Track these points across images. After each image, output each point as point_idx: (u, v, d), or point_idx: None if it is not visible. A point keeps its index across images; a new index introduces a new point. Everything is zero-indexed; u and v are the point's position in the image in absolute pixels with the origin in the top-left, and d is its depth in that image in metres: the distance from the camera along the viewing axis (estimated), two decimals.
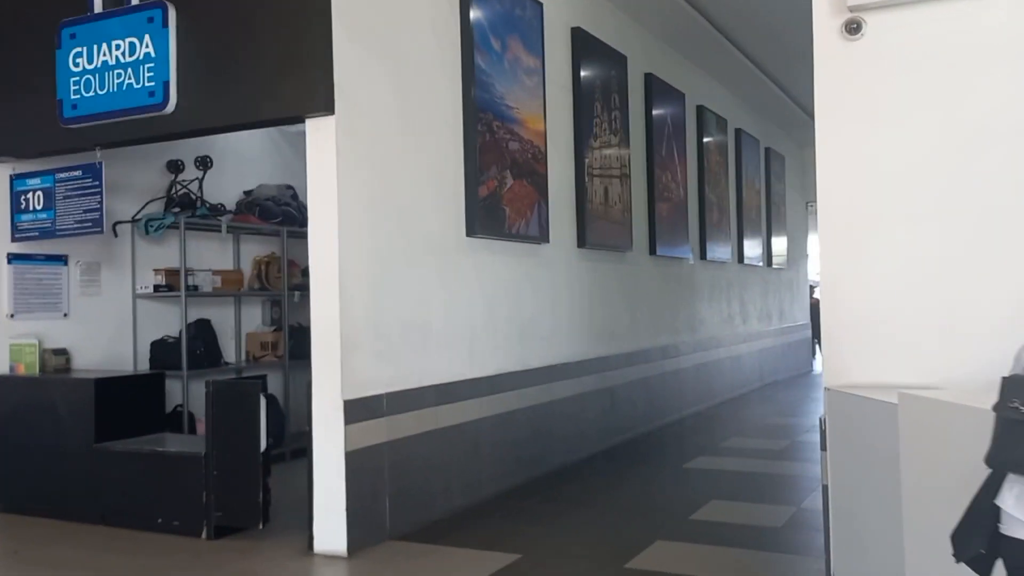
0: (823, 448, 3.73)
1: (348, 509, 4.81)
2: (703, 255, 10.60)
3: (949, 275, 3.53)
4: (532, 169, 6.74)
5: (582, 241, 7.55)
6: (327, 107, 4.86)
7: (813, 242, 17.42)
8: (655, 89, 9.21)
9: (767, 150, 13.63)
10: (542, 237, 6.84)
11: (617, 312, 8.35)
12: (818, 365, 16.08)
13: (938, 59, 3.55)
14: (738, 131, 12.20)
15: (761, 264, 13.17)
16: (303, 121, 5.02)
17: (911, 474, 2.96)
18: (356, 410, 4.92)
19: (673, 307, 9.76)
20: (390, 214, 5.31)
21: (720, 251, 11.20)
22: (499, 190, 6.28)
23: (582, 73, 7.61)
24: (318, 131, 4.95)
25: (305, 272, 8.22)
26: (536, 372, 6.78)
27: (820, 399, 10.56)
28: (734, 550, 4.72)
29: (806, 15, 3.87)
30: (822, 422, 3.74)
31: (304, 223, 8.29)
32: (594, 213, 7.76)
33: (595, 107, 7.86)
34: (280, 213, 8.06)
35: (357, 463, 4.89)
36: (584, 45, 7.67)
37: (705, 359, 10.64)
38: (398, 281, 5.36)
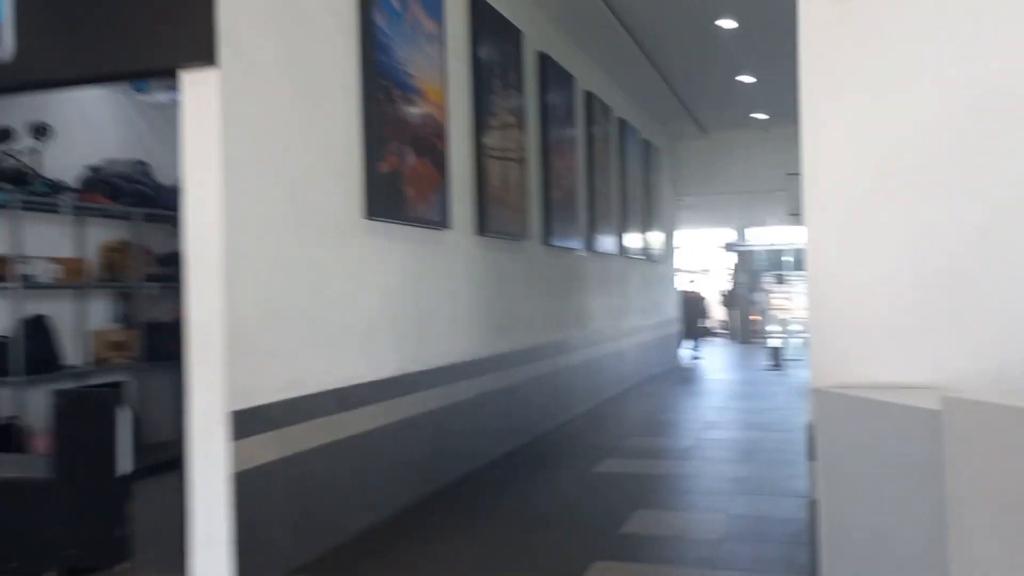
0: (811, 458, 3.29)
1: (235, 540, 4.00)
2: (591, 246, 10.22)
3: (954, 263, 3.16)
4: (433, 146, 6.06)
5: (482, 228, 6.94)
6: (208, 57, 4.02)
7: (680, 237, 17.56)
8: (549, 70, 8.71)
9: (646, 142, 13.48)
10: (443, 222, 6.18)
11: (515, 305, 7.80)
12: (684, 358, 16.18)
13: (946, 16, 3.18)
14: (621, 121, 11.93)
15: (641, 257, 12.99)
16: (175, 74, 4.14)
17: (960, 486, 2.53)
18: (245, 422, 4.10)
19: (565, 300, 9.32)
20: (283, 188, 4.51)
21: (606, 243, 10.87)
22: (400, 168, 5.57)
23: (480, 45, 6.99)
24: (197, 87, 4.09)
25: (163, 261, 7.20)
26: (436, 372, 6.11)
27: (702, 393, 10.38)
28: (685, 570, 4.25)
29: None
30: (811, 428, 3.29)
31: (160, 204, 7.30)
32: (493, 198, 7.16)
33: (493, 83, 7.26)
34: (133, 192, 7.01)
35: (246, 485, 4.08)
36: (482, 14, 7.05)
37: (594, 354, 10.28)
38: (294, 266, 4.57)
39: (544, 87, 8.60)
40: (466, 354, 6.63)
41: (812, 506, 3.24)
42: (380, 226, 5.42)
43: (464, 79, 6.82)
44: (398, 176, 5.53)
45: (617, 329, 11.51)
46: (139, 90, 7.45)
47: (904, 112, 3.22)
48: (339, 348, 4.95)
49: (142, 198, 7.04)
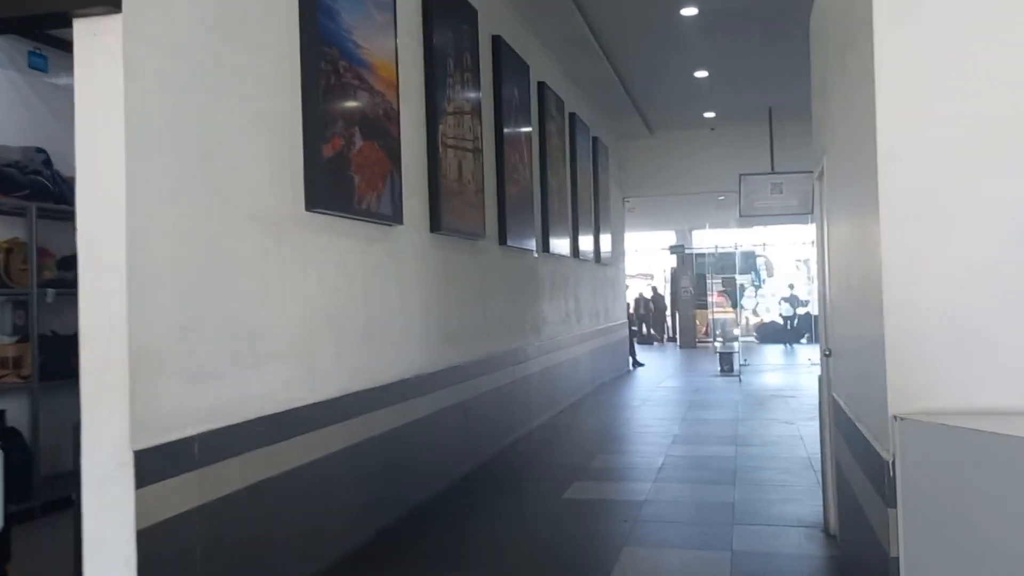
0: (890, 504, 2.61)
1: None
2: (546, 247, 9.51)
3: None
4: (384, 130, 5.25)
5: (436, 224, 6.15)
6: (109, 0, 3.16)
7: (627, 240, 17.01)
8: (503, 56, 7.97)
9: (595, 139, 12.86)
10: (395, 217, 5.38)
11: (471, 311, 7.03)
12: (633, 364, 15.62)
13: None
14: (572, 116, 11.27)
15: (592, 260, 12.35)
16: (69, 22, 3.26)
17: None
18: (154, 464, 3.24)
19: (522, 305, 8.59)
20: (205, 171, 3.65)
21: (560, 243, 10.18)
22: (347, 152, 4.75)
23: (433, 20, 6.21)
24: (94, 38, 3.22)
25: (62, 264, 6.19)
26: (387, 390, 5.30)
27: (660, 402, 9.73)
28: None
29: None
30: (890, 467, 2.60)
31: (60, 198, 6.29)
32: (449, 192, 6.38)
33: (448, 64, 6.49)
34: (28, 184, 6.01)
35: (155, 544, 3.21)
36: None
37: (550, 363, 9.57)
38: (219, 267, 3.72)
39: (498, 74, 7.86)
40: (419, 367, 5.83)
41: (893, 565, 2.56)
42: (324, 220, 4.60)
43: (417, 57, 6.04)
44: (345, 161, 4.72)
45: (572, 335, 10.84)
46: (36, 67, 6.47)
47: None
48: (275, 365, 4.11)
49: (39, 191, 6.04)
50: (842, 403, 3.85)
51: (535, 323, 9.05)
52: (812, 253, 27.52)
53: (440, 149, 6.21)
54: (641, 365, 15.58)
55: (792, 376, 13.83)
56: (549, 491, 6.09)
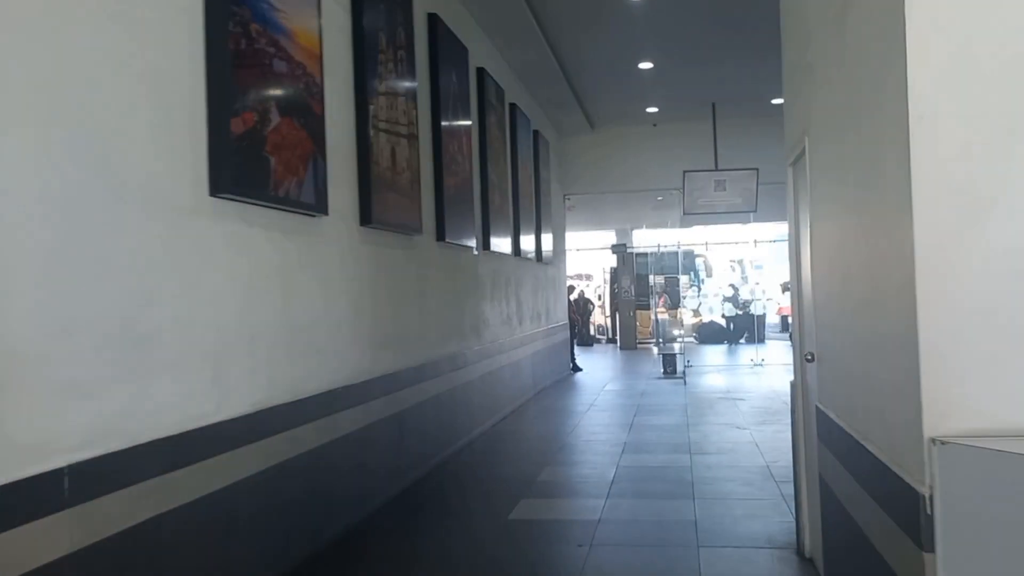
0: (926, 547, 2.11)
1: None
2: (486, 244, 8.96)
3: None
4: (306, 107, 4.62)
5: (367, 217, 5.54)
6: None
7: (567, 238, 16.55)
8: (440, 36, 7.38)
9: (536, 133, 12.35)
10: (319, 206, 4.75)
11: (407, 313, 6.43)
12: (574, 366, 15.16)
13: None
14: (512, 106, 10.74)
15: (533, 258, 11.84)
16: None
17: None
18: (16, 501, 2.59)
19: (460, 306, 8.01)
20: (83, 143, 3.00)
21: (501, 241, 9.63)
22: (261, 128, 4.12)
23: None
24: None
25: None
26: (312, 402, 4.68)
27: (605, 407, 9.26)
28: None
29: None
30: (926, 502, 2.11)
31: None
32: (381, 180, 5.77)
33: (379, 38, 5.88)
34: None
35: None
36: None
37: (491, 367, 9.01)
38: (101, 263, 3.06)
39: (435, 55, 7.27)
40: (348, 376, 5.21)
41: None
42: (233, 207, 3.96)
43: (344, 28, 5.42)
44: (259, 139, 4.08)
45: (514, 338, 10.30)
46: None
47: None
48: (172, 377, 3.47)
49: None
50: (832, 415, 3.38)
51: (476, 325, 8.48)
52: (749, 253, 27.59)
53: (371, 132, 5.60)
54: (579, 370, 15.13)
55: (737, 377, 13.55)
56: (494, 511, 5.53)
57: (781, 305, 17.92)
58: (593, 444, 7.95)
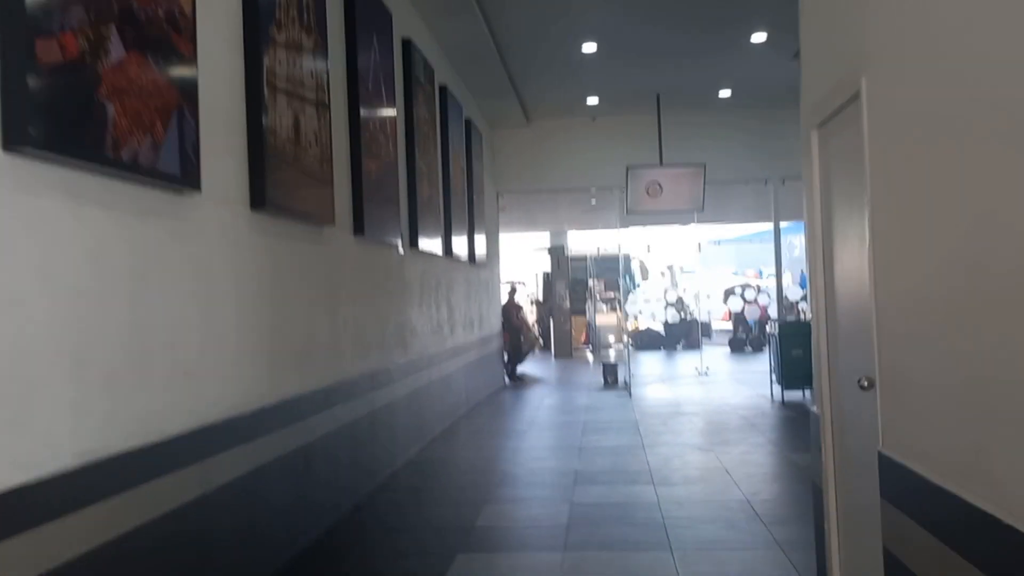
0: None
1: None
2: (414, 243, 7.78)
3: None
4: (166, 42, 3.39)
5: (259, 199, 4.31)
6: None
7: (501, 239, 15.40)
8: None
9: (468, 123, 11.21)
10: (186, 179, 3.52)
11: (315, 323, 5.21)
12: (509, 377, 14.05)
13: None
14: (443, 90, 9.58)
15: (466, 260, 10.69)
16: None
17: None
18: None
19: (384, 314, 6.81)
20: None
21: (431, 239, 8.46)
22: (91, 60, 2.88)
23: None
24: None
25: None
26: (178, 444, 3.44)
27: (543, 426, 8.16)
28: None
29: None
30: None
31: None
32: (280, 154, 4.55)
33: None
34: None
35: None
36: None
37: (418, 384, 7.83)
38: None
39: (351, 11, 6.07)
40: (234, 404, 3.98)
41: None
42: (48, 171, 2.72)
43: None
44: (88, 76, 2.85)
45: (445, 348, 9.13)
46: None
47: None
48: None
49: None
50: (916, 467, 2.34)
51: (401, 336, 7.29)
52: (680, 258, 26.97)
53: (266, 91, 4.38)
54: (519, 380, 14.02)
55: (684, 388, 12.63)
56: (427, 571, 4.36)
57: (729, 309, 17.19)
58: (539, 474, 6.84)
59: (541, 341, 16.35)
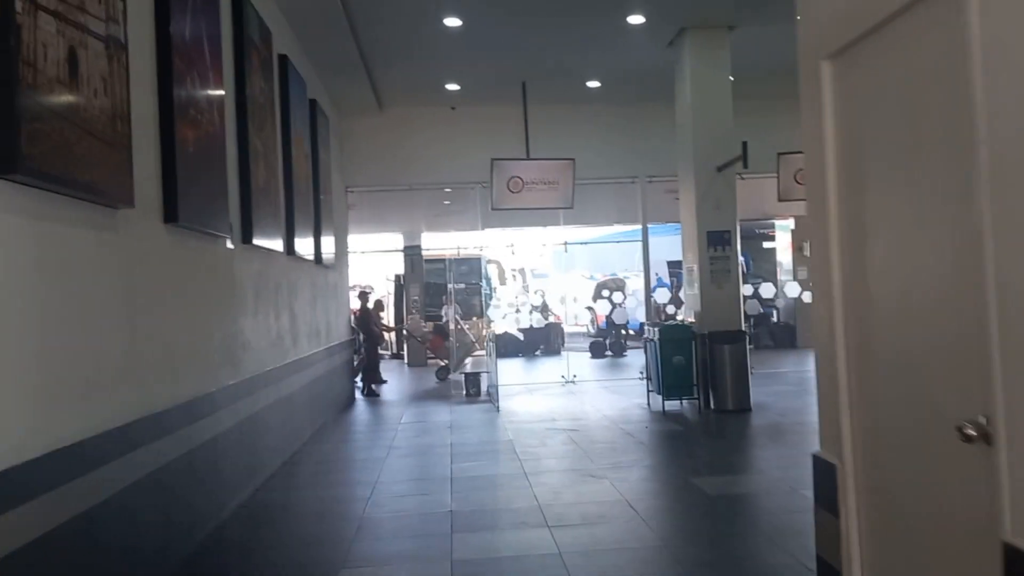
0: None
1: None
2: (247, 236, 6.38)
3: None
4: None
5: (9, 160, 2.90)
6: None
7: (350, 239, 13.97)
8: None
9: (313, 104, 9.82)
10: None
11: (104, 340, 3.78)
12: (361, 391, 12.69)
13: None
14: (283, 59, 8.19)
15: (311, 260, 9.30)
16: None
17: None
18: None
19: (206, 325, 5.39)
20: None
21: (269, 234, 7.06)
22: None
23: None
24: None
25: None
26: None
27: (405, 450, 6.87)
28: None
29: None
30: None
31: None
32: (39, 96, 3.14)
33: None
34: None
35: None
36: None
37: (252, 409, 6.42)
38: None
39: None
40: None
41: None
42: None
43: None
44: None
45: (286, 363, 7.73)
46: None
47: None
48: None
49: None
50: None
51: (230, 352, 5.88)
52: (532, 261, 26.30)
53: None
54: (376, 395, 12.67)
55: (553, 399, 11.70)
56: None
57: (600, 314, 16.47)
58: (406, 518, 5.61)
59: (477, 346, 15.11)
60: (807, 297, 17.60)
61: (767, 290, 14.58)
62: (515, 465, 6.98)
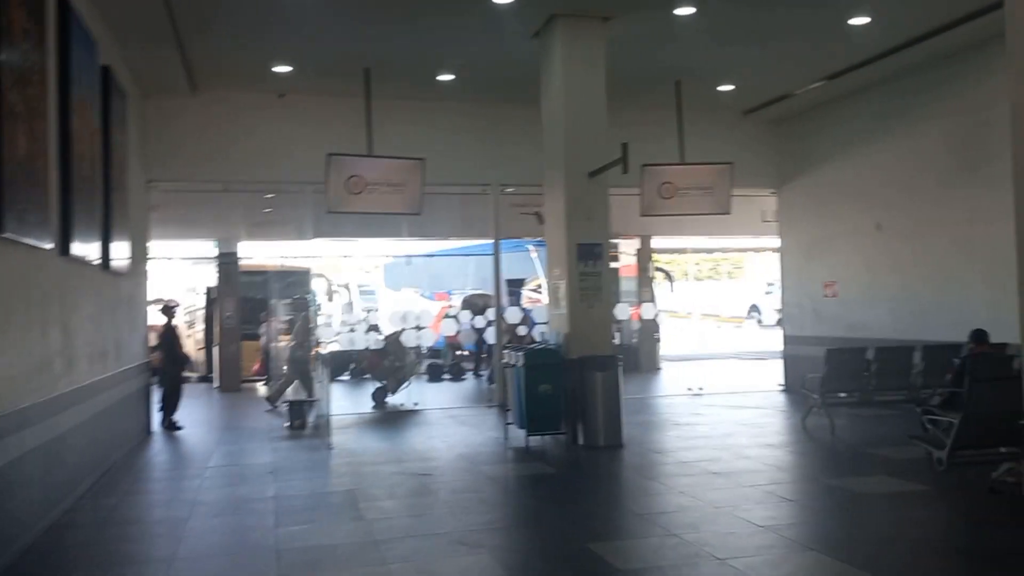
0: None
1: None
2: (2, 228, 4.59)
3: None
4: None
5: None
6: None
7: (152, 244, 11.82)
8: None
9: (106, 71, 7.90)
10: None
11: None
12: (160, 424, 10.64)
13: None
14: (63, 5, 6.34)
15: (97, 264, 7.38)
16: None
17: None
18: None
19: None
20: None
21: (30, 224, 5.23)
22: None
23: None
24: None
25: None
26: None
27: (212, 509, 5.27)
28: None
29: None
30: None
31: None
32: None
33: None
34: None
35: None
36: None
37: None
38: None
39: None
40: None
41: None
42: None
43: None
44: None
45: (54, 396, 5.85)
46: None
47: None
48: None
49: None
50: None
51: None
52: (359, 276, 24.61)
53: None
54: (179, 426, 10.64)
55: (397, 433, 10.21)
56: None
57: (449, 334, 15.01)
58: None
59: (421, 366, 13.19)
60: (661, 319, 17.14)
61: (621, 311, 13.79)
62: (360, 529, 5.49)
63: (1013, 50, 3.21)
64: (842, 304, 11.91)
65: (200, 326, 17.27)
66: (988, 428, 5.65)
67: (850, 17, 8.78)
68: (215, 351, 15.98)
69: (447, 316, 13.38)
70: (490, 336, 12.49)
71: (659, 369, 16.86)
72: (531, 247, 18.43)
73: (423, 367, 13.16)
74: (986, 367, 6.73)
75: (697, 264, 41.67)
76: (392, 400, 12.20)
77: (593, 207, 8.63)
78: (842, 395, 9.21)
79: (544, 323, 11.81)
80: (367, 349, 12.56)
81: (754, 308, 32.58)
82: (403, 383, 12.37)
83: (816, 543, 5.03)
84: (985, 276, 9.53)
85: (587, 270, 8.53)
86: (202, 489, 6.98)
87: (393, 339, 12.50)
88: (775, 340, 14.47)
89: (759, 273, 36.28)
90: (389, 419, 11.23)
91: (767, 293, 32.06)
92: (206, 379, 16.83)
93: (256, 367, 15.92)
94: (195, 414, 11.75)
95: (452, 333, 12.49)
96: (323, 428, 9.60)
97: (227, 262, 15.57)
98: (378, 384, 12.35)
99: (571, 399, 8.35)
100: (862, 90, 11.25)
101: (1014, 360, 7.45)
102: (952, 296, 9.98)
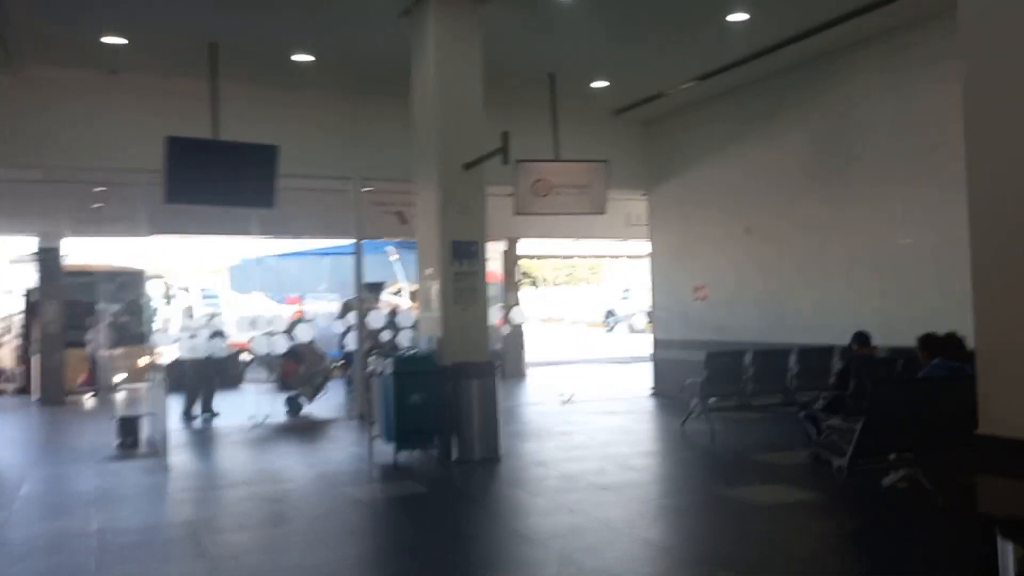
0: None
1: None
2: None
3: None
4: None
5: None
6: None
7: None
8: None
9: None
10: None
11: None
12: None
13: None
14: None
15: None
16: None
17: None
18: None
19: None
20: None
21: None
22: None
23: None
24: None
25: None
26: None
27: (26, 553, 4.33)
28: None
29: None
30: None
31: None
32: None
33: None
34: None
35: None
36: None
37: None
38: None
39: None
40: None
41: None
42: None
43: None
44: None
45: None
46: None
47: None
48: None
49: None
50: None
51: None
52: (202, 279, 22.96)
53: None
54: None
55: (240, 448, 9.18)
56: None
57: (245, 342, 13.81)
58: None
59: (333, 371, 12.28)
60: (528, 325, 16.70)
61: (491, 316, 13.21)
62: (202, 570, 4.61)
63: (966, 44, 2.82)
64: (711, 307, 11.82)
65: (17, 332, 15.42)
66: (890, 433, 5.41)
67: (729, 13, 8.58)
68: (34, 360, 14.24)
69: (300, 321, 12.39)
70: (351, 341, 11.62)
71: (525, 376, 16.43)
72: (391, 248, 17.61)
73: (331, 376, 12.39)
74: (873, 369, 6.58)
75: (556, 269, 41.97)
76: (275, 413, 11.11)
77: (469, 202, 8.00)
78: (712, 400, 8.98)
79: (409, 327, 11.10)
80: (280, 356, 11.87)
81: (610, 313, 32.91)
82: (320, 391, 11.74)
83: (729, 564, 4.58)
84: (849, 277, 9.58)
85: (462, 270, 7.88)
86: (8, 524, 5.83)
87: (307, 346, 11.79)
88: (638, 344, 14.33)
89: (615, 278, 36.86)
90: (234, 436, 10.15)
91: (623, 299, 32.51)
92: (23, 391, 14.99)
93: (83, 378, 14.31)
94: (6, 432, 10.25)
95: (307, 339, 11.52)
96: (160, 447, 8.47)
97: (47, 258, 13.88)
98: (290, 393, 11.60)
99: (444, 409, 7.66)
100: (731, 92, 11.18)
101: (896, 363, 7.41)
102: (818, 298, 10.01)
